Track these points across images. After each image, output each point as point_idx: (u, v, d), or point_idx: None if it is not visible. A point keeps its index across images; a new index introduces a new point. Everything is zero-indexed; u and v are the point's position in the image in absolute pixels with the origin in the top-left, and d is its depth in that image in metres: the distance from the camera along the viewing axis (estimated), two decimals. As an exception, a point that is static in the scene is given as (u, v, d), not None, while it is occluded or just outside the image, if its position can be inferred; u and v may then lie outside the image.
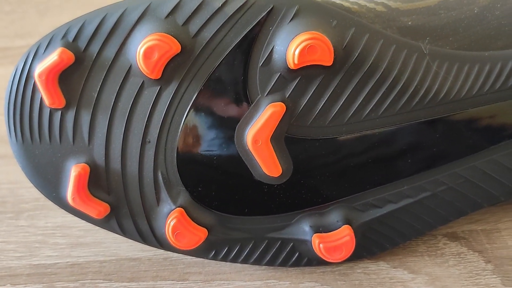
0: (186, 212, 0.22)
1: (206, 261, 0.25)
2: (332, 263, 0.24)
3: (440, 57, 0.22)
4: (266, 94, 0.21)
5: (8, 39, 0.45)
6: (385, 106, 0.22)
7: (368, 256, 0.24)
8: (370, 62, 0.21)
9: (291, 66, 0.20)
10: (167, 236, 0.22)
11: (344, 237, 0.22)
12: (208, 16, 0.21)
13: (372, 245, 0.24)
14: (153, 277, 0.25)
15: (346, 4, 0.22)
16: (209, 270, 0.25)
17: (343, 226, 0.23)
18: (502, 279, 0.24)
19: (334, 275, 0.24)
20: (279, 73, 0.21)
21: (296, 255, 0.23)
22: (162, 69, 0.21)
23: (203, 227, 0.22)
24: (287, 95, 0.21)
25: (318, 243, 0.22)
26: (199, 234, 0.22)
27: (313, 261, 0.24)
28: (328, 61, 0.20)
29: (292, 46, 0.20)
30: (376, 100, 0.22)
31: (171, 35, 0.20)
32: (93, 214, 0.22)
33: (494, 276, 0.24)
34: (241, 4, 0.21)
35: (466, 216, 0.26)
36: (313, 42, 0.20)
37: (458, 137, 0.23)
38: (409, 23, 0.23)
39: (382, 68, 0.21)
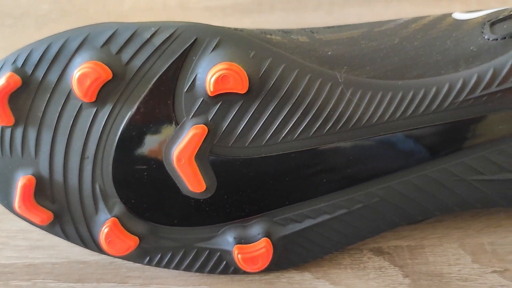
0: (120, 221, 0.24)
1: (147, 266, 0.27)
2: (255, 272, 0.26)
3: (354, 85, 0.24)
4: (190, 117, 0.23)
5: (8, 51, 0.48)
6: (300, 130, 0.24)
7: (290, 267, 0.26)
8: (285, 90, 0.23)
9: (209, 93, 0.23)
10: (101, 242, 0.24)
11: (260, 249, 0.24)
12: (139, 46, 0.23)
13: (294, 257, 0.26)
14: (97, 279, 0.27)
15: (269, 36, 0.24)
16: (148, 275, 0.27)
17: (262, 238, 0.25)
18: (415, 293, 0.25)
19: (260, 283, 0.26)
20: (202, 98, 0.23)
21: (224, 264, 0.26)
22: (96, 93, 0.23)
23: (135, 235, 0.25)
24: (210, 118, 0.23)
25: (237, 254, 0.24)
26: (129, 242, 0.24)
27: (239, 270, 0.26)
28: (241, 89, 0.22)
29: (209, 75, 0.22)
30: (291, 125, 0.24)
31: (104, 63, 0.23)
32: (36, 221, 0.24)
33: (409, 290, 0.26)
34: (168, 35, 0.23)
35: (389, 231, 0.28)
36: (226, 72, 0.22)
37: (371, 160, 0.24)
38: (329, 53, 0.25)
39: (296, 96, 0.23)
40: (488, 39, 0.25)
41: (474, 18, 0.26)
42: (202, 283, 0.27)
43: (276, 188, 0.24)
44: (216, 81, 0.22)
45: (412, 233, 0.28)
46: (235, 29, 0.24)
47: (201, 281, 0.27)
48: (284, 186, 0.24)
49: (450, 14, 0.27)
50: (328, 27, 0.27)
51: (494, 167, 0.25)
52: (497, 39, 0.25)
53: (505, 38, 0.24)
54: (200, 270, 0.26)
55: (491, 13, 0.26)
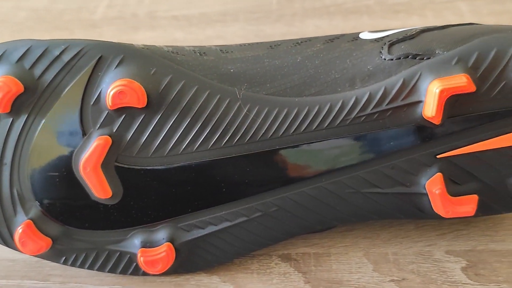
0: (34, 223, 0.26)
1: (61, 267, 0.29)
2: (160, 274, 0.27)
3: (252, 101, 0.25)
4: (97, 128, 0.25)
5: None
6: (199, 142, 0.25)
7: (198, 270, 0.28)
8: (184, 105, 0.25)
9: (109, 106, 0.24)
10: (15, 243, 0.26)
11: (161, 253, 0.26)
12: (49, 62, 0.25)
13: (200, 260, 0.27)
14: (22, 276, 0.29)
15: (174, 53, 0.26)
16: (69, 274, 0.29)
17: (165, 243, 0.26)
18: (312, 299, 0.27)
19: (170, 285, 0.28)
20: (107, 111, 0.25)
21: (134, 265, 0.27)
22: (10, 105, 0.25)
23: (48, 237, 0.26)
24: (115, 130, 0.25)
25: (140, 257, 0.26)
26: (41, 243, 0.26)
27: (149, 272, 0.27)
28: (139, 104, 0.24)
29: (109, 90, 0.24)
30: (190, 137, 0.25)
31: (16, 78, 0.24)
32: (-41, 221, 0.26)
33: (307, 295, 0.27)
34: (76, 52, 0.25)
35: (300, 239, 0.29)
36: (123, 88, 0.24)
37: (267, 172, 0.26)
38: (232, 70, 0.26)
39: (194, 110, 0.25)
40: (385, 59, 0.26)
41: (376, 38, 0.27)
42: (116, 283, 0.28)
43: (179, 196, 0.26)
44: (114, 95, 0.24)
45: (321, 241, 0.30)
46: (143, 46, 0.26)
47: (116, 281, 0.28)
48: (186, 195, 0.26)
49: (358, 34, 0.28)
50: (240, 45, 0.28)
51: (387, 181, 0.26)
52: (392, 59, 0.26)
53: (399, 58, 0.26)
54: (112, 271, 0.28)
55: (395, 33, 0.28)
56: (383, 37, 0.27)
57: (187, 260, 0.27)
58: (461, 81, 0.24)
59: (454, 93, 0.24)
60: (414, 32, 0.27)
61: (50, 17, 0.55)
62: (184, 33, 0.51)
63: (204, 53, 0.27)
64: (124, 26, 0.53)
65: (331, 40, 0.28)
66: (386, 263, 0.28)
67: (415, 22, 0.49)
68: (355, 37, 0.28)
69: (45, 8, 0.57)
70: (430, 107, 0.24)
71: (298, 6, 0.53)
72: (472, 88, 0.24)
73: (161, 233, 0.27)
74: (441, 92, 0.24)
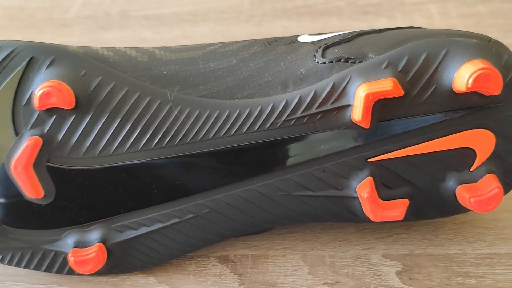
0: (-31, 222, 0.27)
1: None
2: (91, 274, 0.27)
3: (183, 103, 0.25)
4: (29, 128, 0.25)
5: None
6: (129, 144, 0.25)
7: (133, 270, 0.28)
8: (113, 107, 0.25)
9: (36, 107, 0.24)
10: (-49, 241, 0.27)
11: (91, 253, 0.26)
12: (-19, 63, 0.25)
13: (134, 261, 0.27)
14: (-36, 274, 0.29)
15: (107, 53, 0.26)
16: (8, 272, 0.29)
17: (96, 243, 0.26)
18: (244, 300, 0.27)
19: (106, 285, 0.28)
20: (38, 112, 0.25)
21: (69, 265, 0.27)
22: None
23: (-16, 235, 0.27)
24: (46, 131, 0.25)
25: (70, 257, 0.26)
26: (-25, 242, 0.26)
27: (80, 272, 0.27)
28: (66, 105, 0.24)
29: (37, 91, 0.24)
30: (121, 139, 0.25)
31: None
32: None
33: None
34: (8, 53, 0.25)
35: (240, 241, 0.29)
36: (49, 89, 0.24)
37: (198, 174, 0.26)
38: (165, 72, 0.26)
39: (124, 112, 0.25)
40: (318, 62, 0.26)
41: (313, 41, 0.27)
42: (53, 282, 0.28)
43: (111, 197, 0.26)
44: (41, 97, 0.24)
45: (261, 243, 0.30)
46: (77, 48, 0.26)
47: (53, 280, 0.28)
48: (118, 195, 0.26)
49: (296, 37, 0.28)
50: (178, 47, 0.28)
51: (319, 184, 0.26)
52: (325, 63, 0.26)
53: (332, 62, 0.26)
54: (48, 270, 0.28)
55: (332, 37, 0.28)
56: (320, 40, 0.27)
57: (121, 261, 0.27)
58: (387, 86, 0.24)
59: (380, 97, 0.24)
60: (350, 36, 0.27)
61: (23, 15, 0.56)
62: (152, 32, 0.51)
63: (140, 54, 0.27)
64: (94, 25, 0.53)
65: (269, 43, 0.28)
66: (322, 266, 0.28)
67: (383, 24, 0.49)
68: (293, 40, 0.28)
69: (19, 7, 0.57)
70: (358, 111, 0.24)
71: (269, 7, 0.53)
72: (400, 92, 0.24)
73: (94, 234, 0.27)
74: (367, 96, 0.24)
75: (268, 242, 0.30)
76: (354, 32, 0.28)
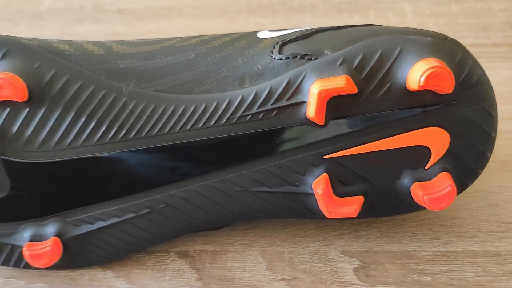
0: None
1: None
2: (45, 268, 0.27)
3: (139, 97, 0.25)
4: (-19, 121, 0.25)
5: None
6: (84, 137, 0.25)
7: (90, 265, 0.28)
8: (67, 100, 0.25)
9: (-13, 100, 0.24)
10: None
11: (46, 247, 0.26)
12: None
13: (91, 255, 0.27)
14: None
15: (62, 46, 0.26)
16: (-36, 266, 0.29)
17: (52, 237, 0.26)
18: (200, 296, 0.27)
19: (64, 279, 0.28)
20: (-9, 105, 0.25)
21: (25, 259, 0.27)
22: None
23: None
24: (0, 123, 0.25)
25: (25, 250, 0.26)
26: None
27: (36, 265, 0.27)
28: (19, 97, 0.24)
29: (-12, 84, 0.24)
30: (75, 132, 0.25)
31: None
32: None
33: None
34: (-40, 45, 0.25)
35: (200, 236, 0.29)
36: (1, 81, 0.24)
37: (153, 168, 0.26)
38: (121, 66, 0.26)
39: (78, 105, 0.25)
40: (274, 59, 0.26)
41: (271, 38, 0.27)
42: (11, 276, 0.28)
43: (66, 191, 0.26)
44: (-8, 89, 0.24)
45: (221, 239, 0.30)
46: (30, 40, 0.26)
47: (11, 274, 0.28)
48: (74, 189, 0.26)
49: (255, 33, 0.29)
50: (136, 40, 0.28)
51: (275, 180, 0.26)
52: (282, 59, 0.26)
53: (288, 58, 0.26)
54: (6, 264, 0.27)
55: (291, 33, 0.28)
56: (278, 36, 0.27)
57: (78, 255, 0.27)
58: (340, 83, 0.24)
59: (334, 94, 0.24)
60: (308, 32, 0.27)
61: (-3, 7, 0.55)
62: (126, 27, 0.50)
63: (96, 48, 0.27)
64: (69, 18, 0.52)
65: (229, 38, 0.28)
66: (281, 262, 0.28)
67: (357, 21, 0.49)
68: (252, 35, 0.28)
69: (-6, -1, 0.57)
70: (312, 108, 0.24)
71: (244, 3, 0.53)
72: (354, 89, 0.24)
73: (50, 228, 0.27)
74: (319, 93, 0.24)
75: (228, 237, 0.30)
76: (313, 28, 0.28)
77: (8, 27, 0.52)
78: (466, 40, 0.44)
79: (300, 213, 0.27)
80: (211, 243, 0.30)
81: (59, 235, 0.26)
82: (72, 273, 0.28)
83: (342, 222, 0.30)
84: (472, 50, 0.27)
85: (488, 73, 0.26)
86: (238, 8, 0.52)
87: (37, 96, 0.25)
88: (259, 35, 0.28)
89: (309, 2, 0.52)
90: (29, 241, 0.26)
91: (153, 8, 0.53)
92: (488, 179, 0.32)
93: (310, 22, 0.49)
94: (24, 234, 0.27)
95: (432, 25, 0.47)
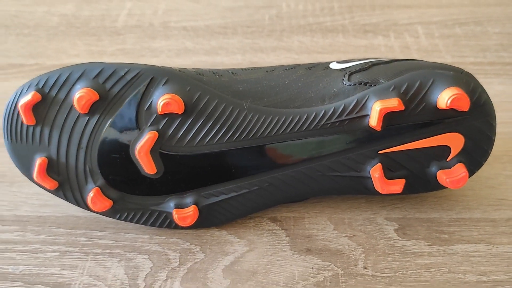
0: (101, 190, 0.38)
1: (113, 222, 0.41)
2: (188, 228, 0.39)
3: (254, 111, 0.37)
4: (148, 126, 0.37)
5: (24, 57, 0.61)
6: (217, 138, 0.37)
7: (213, 226, 0.40)
8: (208, 112, 0.37)
9: (158, 112, 0.36)
10: (87, 203, 0.38)
11: (189, 212, 0.38)
12: (117, 79, 0.36)
13: (215, 219, 0.39)
14: (85, 227, 0.41)
15: (201, 75, 0.38)
16: (120, 226, 0.41)
17: (191, 205, 0.38)
18: (290, 246, 0.39)
19: (193, 235, 0.40)
20: (155, 115, 0.36)
21: (168, 221, 0.39)
22: (88, 108, 0.36)
23: (110, 199, 0.38)
24: (160, 127, 0.37)
25: (175, 214, 0.38)
26: (106, 203, 0.38)
27: (178, 225, 0.39)
28: (179, 111, 0.36)
29: (159, 101, 0.36)
30: (212, 134, 0.37)
31: (93, 89, 0.36)
32: (47, 187, 0.38)
33: (288, 245, 0.39)
34: (135, 74, 0.36)
35: (283, 206, 0.41)
36: (169, 100, 0.35)
37: (263, 159, 0.38)
38: (240, 88, 0.38)
39: (215, 117, 0.37)
40: (345, 84, 0.38)
41: (341, 68, 0.39)
42: (154, 233, 0.40)
43: (202, 174, 0.38)
44: (163, 105, 0.35)
45: (298, 209, 0.42)
46: (179, 70, 0.38)
47: (154, 232, 0.40)
48: (207, 173, 0.38)
49: (328, 64, 0.40)
50: (244, 69, 0.40)
51: (344, 168, 0.38)
52: (350, 85, 0.38)
53: (355, 84, 0.38)
54: (153, 224, 0.39)
55: (354, 65, 0.40)
56: (346, 67, 0.39)
57: (206, 218, 0.39)
58: (394, 103, 0.36)
59: (389, 111, 0.36)
60: (367, 66, 0.39)
61: (79, 23, 0.66)
62: (192, 43, 0.62)
63: (220, 75, 0.39)
64: (142, 34, 0.63)
65: (310, 68, 0.40)
66: (343, 225, 0.41)
67: (380, 41, 0.61)
68: (326, 66, 0.40)
69: (73, 15, 0.67)
70: (373, 119, 0.36)
71: (286, 23, 0.64)
72: (402, 107, 0.36)
73: (189, 199, 0.38)
74: (381, 110, 0.36)
75: (303, 208, 0.42)
76: (369, 62, 0.40)
77: (95, 41, 0.63)
78: (467, 59, 0.57)
79: (360, 191, 0.39)
80: (292, 211, 0.42)
81: (196, 204, 0.38)
82: (197, 231, 0.40)
83: (383, 198, 0.43)
84: (471, 67, 0.39)
85: (485, 87, 0.38)
86: (282, 28, 0.64)
87: (188, 110, 0.36)
88: (331, 66, 0.40)
89: (339, 23, 0.64)
90: (175, 208, 0.38)
91: (211, 26, 0.64)
92: (486, 168, 0.44)
93: (343, 41, 0.61)
94: (170, 204, 0.39)
95: (441, 46, 0.59)
